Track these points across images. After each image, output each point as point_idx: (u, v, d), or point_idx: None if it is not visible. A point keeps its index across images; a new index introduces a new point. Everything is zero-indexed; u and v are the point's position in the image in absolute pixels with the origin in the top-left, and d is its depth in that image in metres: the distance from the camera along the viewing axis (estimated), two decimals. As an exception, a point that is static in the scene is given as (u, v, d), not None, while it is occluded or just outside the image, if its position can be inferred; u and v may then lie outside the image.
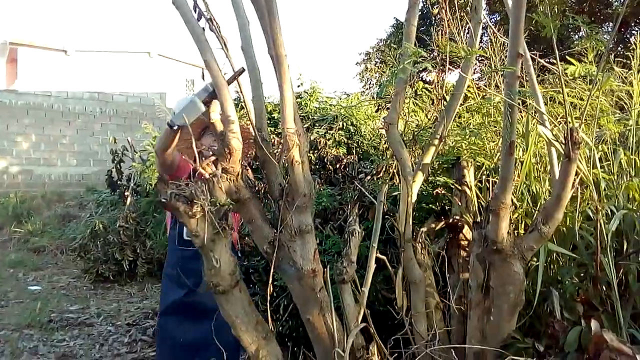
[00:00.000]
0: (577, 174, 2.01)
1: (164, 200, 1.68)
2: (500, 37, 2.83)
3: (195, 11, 1.84)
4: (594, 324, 1.78)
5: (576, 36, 8.86)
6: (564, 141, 1.80)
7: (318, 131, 4.57)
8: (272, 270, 1.94)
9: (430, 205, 2.96)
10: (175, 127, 2.19)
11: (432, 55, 2.35)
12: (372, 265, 2.02)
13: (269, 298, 1.93)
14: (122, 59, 18.96)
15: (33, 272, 6.58)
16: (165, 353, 2.75)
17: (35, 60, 17.67)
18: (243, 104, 2.00)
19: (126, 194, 6.82)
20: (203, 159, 1.98)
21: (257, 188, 1.99)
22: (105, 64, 18.31)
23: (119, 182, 7.95)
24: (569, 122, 1.84)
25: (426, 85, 3.85)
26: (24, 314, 4.58)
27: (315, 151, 4.44)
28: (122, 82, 16.56)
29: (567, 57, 2.19)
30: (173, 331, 2.67)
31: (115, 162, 7.90)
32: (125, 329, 4.38)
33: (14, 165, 13.05)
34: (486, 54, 2.90)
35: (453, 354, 2.04)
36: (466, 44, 2.38)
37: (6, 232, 8.98)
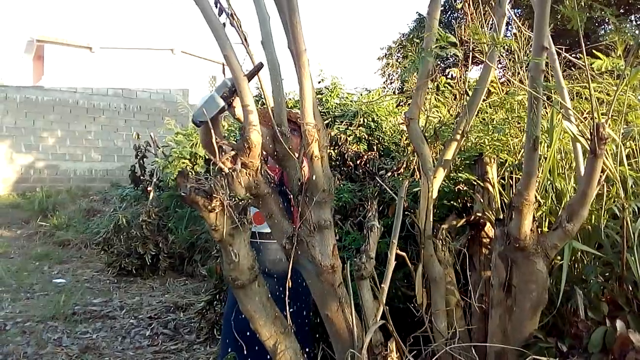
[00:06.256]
0: (603, 170, 1.96)
1: (183, 194, 1.69)
2: (525, 30, 2.77)
3: (216, 6, 1.84)
4: (619, 324, 1.74)
5: (603, 30, 8.67)
6: (589, 137, 1.76)
7: (339, 127, 4.55)
8: (290, 266, 1.94)
9: (452, 202, 2.92)
10: (198, 123, 2.18)
11: (455, 49, 2.31)
12: (392, 262, 2.00)
13: (287, 293, 1.93)
14: (145, 55, 19.18)
15: (58, 265, 6.71)
16: (230, 342, 2.65)
17: (61, 57, 17.97)
18: (264, 100, 1.99)
19: (149, 189, 6.91)
20: (223, 153, 1.98)
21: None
22: (130, 61, 18.54)
23: (142, 178, 8.05)
24: (596, 118, 1.80)
25: (449, 80, 3.80)
26: (49, 306, 4.67)
27: (336, 147, 4.43)
28: (146, 79, 16.75)
29: (593, 51, 2.14)
30: (240, 322, 2.58)
31: (139, 157, 7.99)
32: (147, 322, 4.43)
33: (40, 161, 13.31)
34: (510, 47, 2.85)
35: (474, 352, 2.01)
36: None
37: (32, 226, 9.17)
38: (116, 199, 9.51)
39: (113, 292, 5.46)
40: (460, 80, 2.88)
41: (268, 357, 2.21)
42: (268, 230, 2.60)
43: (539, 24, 1.76)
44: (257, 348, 2.35)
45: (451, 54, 1.86)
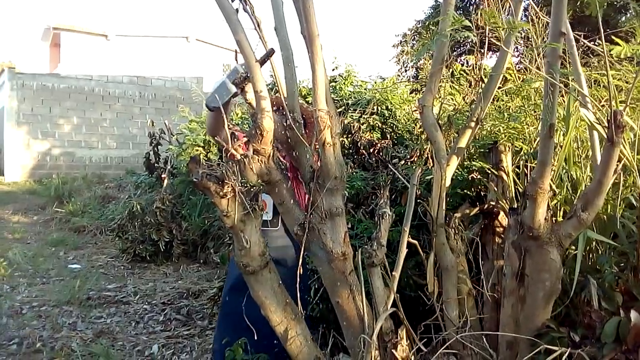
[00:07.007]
0: (620, 159, 1.93)
1: (195, 180, 1.69)
2: (543, 16, 2.72)
3: (229, -9, 1.83)
4: (633, 315, 1.72)
5: (623, 18, 8.52)
6: (607, 124, 1.73)
7: (352, 115, 4.53)
8: (302, 253, 1.94)
9: (465, 191, 2.90)
10: (211, 108, 2.18)
11: (470, 38, 2.27)
12: (404, 250, 1.99)
13: (298, 280, 1.93)
14: (160, 43, 19.21)
15: (73, 251, 6.78)
16: (227, 328, 2.69)
17: (77, 45, 18.08)
18: (277, 87, 1.98)
19: (163, 176, 6.94)
20: (236, 140, 1.97)
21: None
22: (145, 49, 18.60)
23: (156, 165, 8.09)
24: (613, 105, 1.76)
25: (464, 68, 3.76)
26: (64, 291, 4.72)
27: (349, 135, 4.41)
28: (161, 67, 16.80)
29: (613, 37, 2.09)
30: (237, 307, 2.62)
31: (153, 145, 8.03)
32: (160, 308, 4.47)
33: (56, 148, 13.46)
34: (527, 33, 2.80)
35: (484, 341, 2.00)
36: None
37: (48, 212, 9.28)
38: (131, 186, 9.58)
39: (127, 278, 5.51)
40: (476, 67, 2.84)
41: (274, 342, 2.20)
42: (269, 218, 2.61)
43: (556, 9, 1.73)
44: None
45: (466, 38, 1.83)
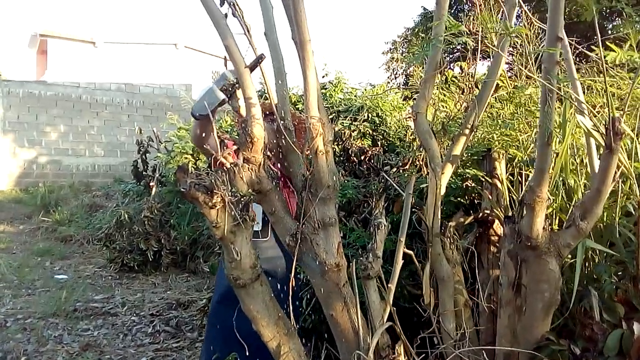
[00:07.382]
0: (617, 167, 1.90)
1: (183, 189, 1.63)
2: (536, 21, 2.70)
3: (218, -4, 1.78)
4: (636, 327, 1.67)
5: (611, 25, 8.58)
6: (604, 131, 1.69)
7: (343, 122, 4.49)
8: (294, 264, 1.88)
9: (459, 199, 2.86)
10: (197, 116, 2.11)
11: (460, 45, 2.24)
12: (400, 261, 1.94)
13: (291, 292, 1.87)
14: (149, 50, 19.13)
15: (60, 261, 6.67)
16: (216, 341, 2.62)
17: (64, 52, 17.94)
18: (267, 94, 1.93)
19: (151, 184, 6.86)
20: (225, 147, 1.92)
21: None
22: (133, 56, 18.50)
23: (144, 173, 8.00)
24: (611, 112, 1.73)
25: (456, 74, 3.73)
26: (50, 303, 4.62)
27: (340, 143, 4.37)
28: (149, 74, 16.70)
29: (607, 42, 2.06)
30: (227, 319, 2.55)
31: (141, 153, 7.94)
32: (148, 320, 4.39)
33: (43, 156, 13.29)
34: (520, 39, 2.77)
35: (484, 354, 1.95)
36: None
37: (34, 221, 9.13)
38: (119, 195, 9.47)
39: (115, 289, 5.41)
40: (469, 74, 2.81)
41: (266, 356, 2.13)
42: (258, 228, 2.55)
43: (553, 13, 1.69)
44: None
45: (459, 44, 1.78)
